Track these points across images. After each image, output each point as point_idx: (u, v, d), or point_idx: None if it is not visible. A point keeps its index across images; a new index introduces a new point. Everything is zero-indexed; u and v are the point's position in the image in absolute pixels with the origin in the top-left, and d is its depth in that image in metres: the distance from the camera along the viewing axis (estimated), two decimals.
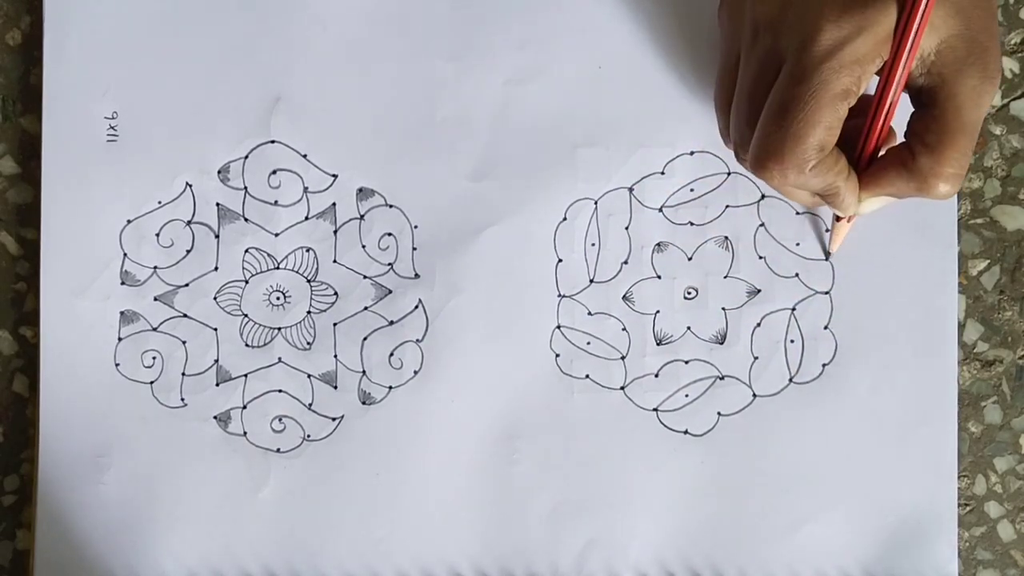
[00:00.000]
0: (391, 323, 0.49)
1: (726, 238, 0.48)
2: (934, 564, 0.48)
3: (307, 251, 0.49)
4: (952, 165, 0.39)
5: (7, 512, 0.50)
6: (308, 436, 0.49)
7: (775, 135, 0.39)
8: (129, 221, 0.49)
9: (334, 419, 0.49)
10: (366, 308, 0.49)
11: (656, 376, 0.49)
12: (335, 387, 0.49)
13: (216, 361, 0.49)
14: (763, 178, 0.40)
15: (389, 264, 0.49)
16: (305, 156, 0.49)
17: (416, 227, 0.49)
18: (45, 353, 0.48)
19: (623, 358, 0.49)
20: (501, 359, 0.48)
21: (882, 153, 0.42)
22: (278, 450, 0.49)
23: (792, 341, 0.48)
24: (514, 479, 0.48)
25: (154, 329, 0.49)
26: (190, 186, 0.49)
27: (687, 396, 0.48)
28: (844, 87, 0.38)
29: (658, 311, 0.49)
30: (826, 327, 0.48)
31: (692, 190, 0.48)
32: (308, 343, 0.49)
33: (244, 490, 0.49)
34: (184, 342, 0.49)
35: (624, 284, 0.49)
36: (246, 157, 0.49)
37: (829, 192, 0.41)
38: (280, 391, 0.49)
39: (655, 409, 0.49)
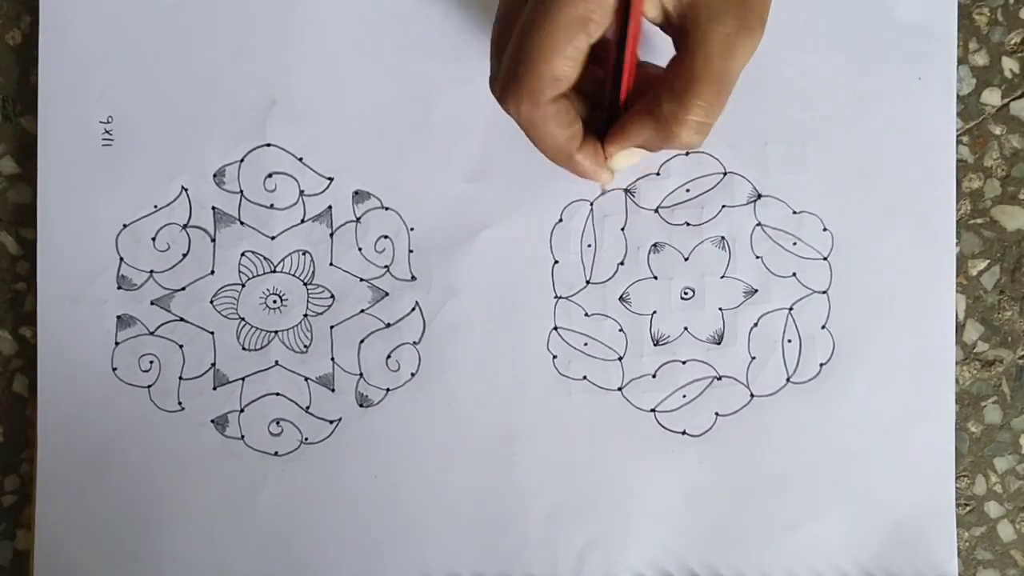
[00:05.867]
0: (388, 325, 0.49)
1: (722, 238, 0.48)
2: (934, 564, 0.48)
3: (303, 254, 0.49)
4: (696, 113, 0.38)
5: (7, 512, 0.50)
6: (306, 439, 0.49)
7: (513, 60, 0.38)
8: (125, 225, 0.49)
9: (331, 422, 0.49)
10: (363, 311, 0.49)
11: (653, 377, 0.48)
12: (332, 390, 0.49)
13: (213, 365, 0.49)
14: (504, 107, 0.40)
15: (385, 266, 0.49)
16: (301, 159, 0.49)
17: (412, 229, 0.49)
18: (42, 357, 0.49)
19: (620, 359, 0.48)
20: (498, 361, 0.48)
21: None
22: (276, 453, 0.49)
23: (789, 341, 0.48)
24: (512, 481, 0.48)
25: (151, 333, 0.49)
26: (186, 190, 0.49)
27: (685, 396, 0.48)
28: (580, 14, 0.37)
29: (655, 312, 0.48)
30: (824, 327, 0.48)
31: (688, 190, 0.48)
32: (305, 346, 0.49)
33: (242, 493, 0.49)
34: (181, 346, 0.49)
35: (621, 285, 0.48)
36: (242, 160, 0.49)
37: (561, 156, 0.41)
38: (277, 394, 0.49)
39: (653, 410, 0.48)
